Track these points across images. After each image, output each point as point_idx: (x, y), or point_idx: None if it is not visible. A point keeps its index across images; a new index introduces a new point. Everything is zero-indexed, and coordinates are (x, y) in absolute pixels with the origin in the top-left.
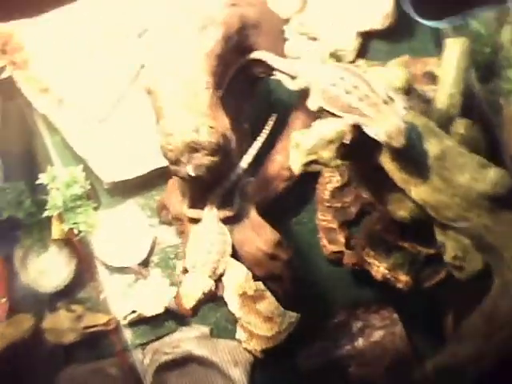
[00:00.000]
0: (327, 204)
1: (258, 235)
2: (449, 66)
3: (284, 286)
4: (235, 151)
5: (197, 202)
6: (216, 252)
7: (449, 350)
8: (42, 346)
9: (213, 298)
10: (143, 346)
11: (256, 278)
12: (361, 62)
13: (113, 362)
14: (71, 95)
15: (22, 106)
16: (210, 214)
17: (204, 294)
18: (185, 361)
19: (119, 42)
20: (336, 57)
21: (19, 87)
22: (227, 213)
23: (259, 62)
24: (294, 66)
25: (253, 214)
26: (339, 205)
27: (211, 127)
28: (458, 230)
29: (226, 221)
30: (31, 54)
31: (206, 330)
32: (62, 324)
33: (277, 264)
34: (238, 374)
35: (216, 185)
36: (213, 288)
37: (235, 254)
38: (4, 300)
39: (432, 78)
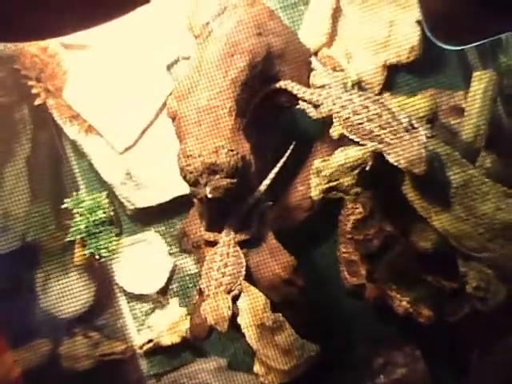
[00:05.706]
0: (349, 236)
1: (275, 259)
2: (476, 97)
3: (300, 313)
4: (255, 175)
5: (215, 224)
6: (229, 274)
7: None
8: (58, 372)
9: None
10: (159, 376)
11: (271, 304)
12: (386, 94)
13: None
14: (100, 123)
15: (52, 131)
16: (227, 237)
17: (230, 308)
18: None
19: (148, 72)
20: (359, 85)
21: (51, 113)
22: (244, 236)
23: (284, 91)
24: (317, 95)
25: (270, 238)
26: (361, 237)
27: (231, 150)
28: (481, 261)
29: (242, 244)
30: (64, 82)
31: (223, 362)
32: (79, 350)
33: (292, 290)
34: None
35: (234, 208)
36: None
37: (251, 278)
38: None
39: (459, 111)
